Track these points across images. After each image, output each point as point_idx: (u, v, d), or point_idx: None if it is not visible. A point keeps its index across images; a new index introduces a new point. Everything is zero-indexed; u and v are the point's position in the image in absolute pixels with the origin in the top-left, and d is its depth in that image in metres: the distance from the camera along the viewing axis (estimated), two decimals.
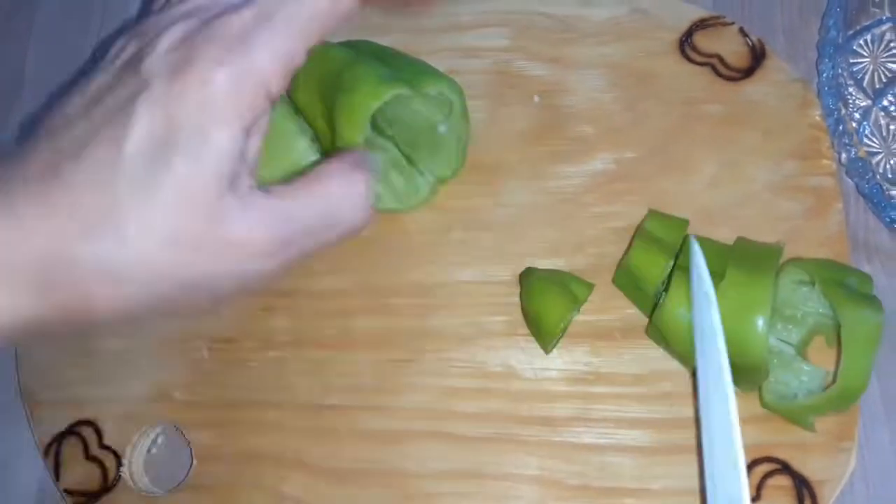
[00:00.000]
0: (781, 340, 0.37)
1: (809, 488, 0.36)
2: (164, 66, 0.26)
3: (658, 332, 0.36)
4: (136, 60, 0.26)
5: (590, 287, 0.39)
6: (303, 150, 0.40)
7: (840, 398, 0.33)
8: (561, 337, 0.39)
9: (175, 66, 0.26)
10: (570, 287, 0.38)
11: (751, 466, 0.37)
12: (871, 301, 0.34)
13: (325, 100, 0.37)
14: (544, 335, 0.38)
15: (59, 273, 0.25)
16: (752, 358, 0.33)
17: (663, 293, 0.36)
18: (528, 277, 0.40)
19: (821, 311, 0.36)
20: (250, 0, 0.27)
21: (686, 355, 0.36)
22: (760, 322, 0.33)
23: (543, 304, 0.38)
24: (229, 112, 0.25)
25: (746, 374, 0.35)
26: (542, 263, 0.41)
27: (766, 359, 0.33)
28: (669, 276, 0.37)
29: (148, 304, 0.26)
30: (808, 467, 0.36)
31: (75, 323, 0.26)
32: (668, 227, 0.38)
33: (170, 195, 0.25)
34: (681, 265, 0.36)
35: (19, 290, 0.25)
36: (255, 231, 0.26)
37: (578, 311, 0.39)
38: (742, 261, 0.35)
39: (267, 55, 0.26)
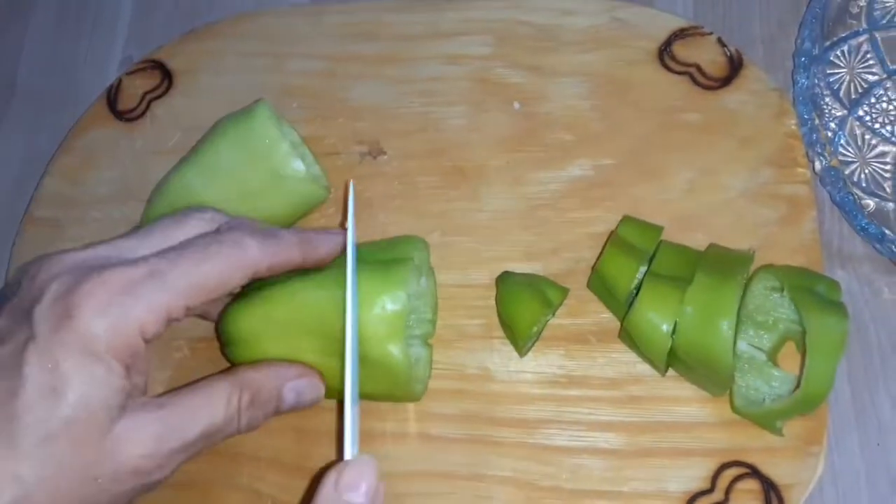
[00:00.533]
0: (753, 346, 0.38)
1: (777, 492, 0.36)
2: (50, 316, 0.29)
3: (629, 336, 0.37)
4: (27, 307, 0.29)
5: (564, 291, 0.39)
6: (283, 155, 0.40)
7: (804, 402, 0.34)
8: (535, 340, 0.40)
9: (60, 316, 0.28)
10: (544, 291, 0.39)
11: (719, 470, 0.37)
12: (838, 308, 0.34)
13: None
14: (518, 338, 0.39)
15: None
16: (718, 361, 0.34)
17: (635, 297, 0.37)
18: (503, 281, 0.40)
19: (792, 317, 0.37)
20: (146, 257, 0.30)
21: (656, 359, 0.36)
22: (725, 325, 0.33)
23: (517, 307, 0.38)
24: (109, 356, 0.28)
25: (714, 377, 0.35)
26: (520, 267, 0.42)
27: (731, 363, 0.34)
28: (642, 282, 0.37)
29: None
30: (777, 471, 0.37)
31: None
32: (641, 233, 0.39)
33: (64, 445, 0.28)
34: (653, 271, 0.37)
35: None
36: (147, 448, 0.29)
37: (553, 314, 0.40)
38: (712, 266, 0.36)
39: (145, 309, 0.29)
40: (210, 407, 0.32)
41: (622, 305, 0.38)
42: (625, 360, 0.39)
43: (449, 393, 0.40)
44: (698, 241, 0.40)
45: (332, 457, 0.40)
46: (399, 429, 0.40)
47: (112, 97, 0.50)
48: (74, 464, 0.28)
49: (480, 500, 0.38)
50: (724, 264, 0.36)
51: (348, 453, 0.30)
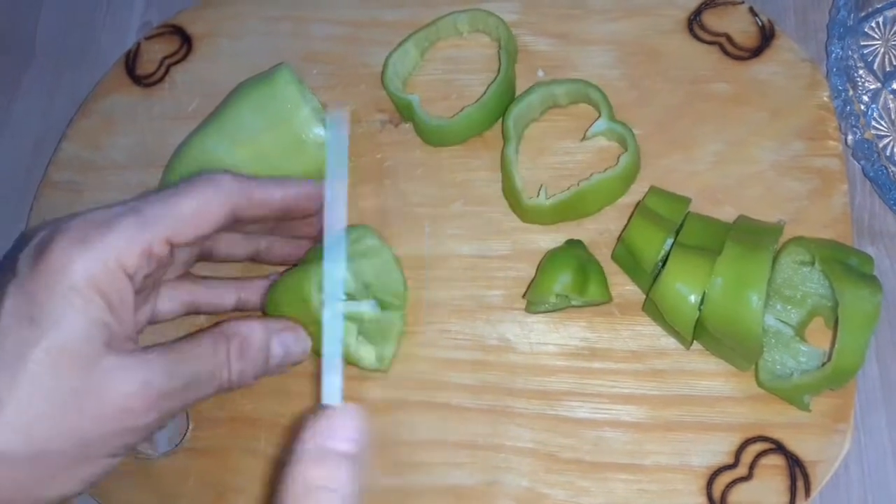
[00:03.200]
0: (780, 320, 0.37)
1: (802, 468, 0.36)
2: (29, 256, 0.29)
3: (654, 308, 0.36)
4: (12, 254, 0.31)
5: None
6: (304, 119, 0.40)
7: (834, 376, 0.33)
8: (550, 311, 0.39)
9: (38, 253, 0.29)
10: (587, 280, 0.38)
11: (743, 445, 0.36)
12: (871, 281, 0.34)
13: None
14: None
15: None
16: (747, 333, 0.33)
17: (661, 269, 0.36)
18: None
19: (821, 292, 0.36)
20: (124, 201, 0.31)
21: (683, 331, 0.36)
22: (755, 297, 0.33)
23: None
24: (86, 288, 0.28)
25: (742, 350, 0.35)
26: (542, 239, 0.41)
27: (760, 334, 0.33)
28: (669, 253, 0.36)
29: (41, 480, 0.29)
30: (802, 448, 0.36)
31: None
32: (668, 204, 0.38)
33: (42, 368, 0.28)
34: (681, 242, 0.36)
35: None
36: (133, 388, 0.29)
37: (583, 304, 0.39)
38: (741, 237, 0.35)
39: (123, 241, 0.29)
40: (197, 355, 0.32)
41: (647, 277, 0.37)
42: (648, 334, 0.39)
43: (469, 363, 0.40)
44: (727, 214, 0.39)
45: None
46: (420, 398, 0.39)
47: (131, 62, 0.49)
48: (56, 392, 0.28)
49: (500, 471, 0.38)
50: (753, 235, 0.35)
51: (330, 398, 0.27)
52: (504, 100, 0.42)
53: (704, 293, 0.34)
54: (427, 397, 0.39)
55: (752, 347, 0.34)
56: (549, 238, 0.41)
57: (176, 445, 0.40)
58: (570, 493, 0.37)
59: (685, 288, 0.34)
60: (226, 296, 0.38)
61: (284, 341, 0.35)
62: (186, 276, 0.37)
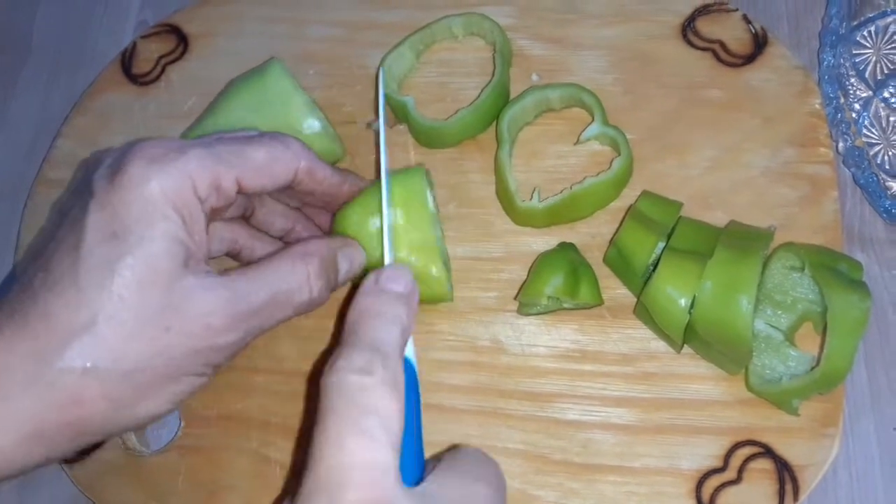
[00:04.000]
0: (770, 325, 0.37)
1: (791, 472, 0.36)
2: (105, 175, 0.30)
3: (645, 312, 0.37)
4: (87, 178, 0.30)
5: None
6: (297, 111, 0.40)
7: (823, 381, 0.33)
8: (540, 312, 0.40)
9: (114, 172, 0.29)
10: (579, 282, 0.38)
11: (733, 449, 0.37)
12: (860, 287, 0.34)
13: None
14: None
15: (51, 388, 0.27)
16: (736, 337, 0.34)
17: (652, 273, 0.36)
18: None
19: (811, 297, 0.36)
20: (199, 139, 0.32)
21: (673, 334, 0.36)
22: (745, 301, 0.33)
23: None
24: (163, 204, 0.29)
25: (731, 353, 0.35)
26: (535, 242, 0.41)
27: (749, 338, 0.33)
28: (659, 257, 0.37)
29: (132, 397, 0.29)
30: (791, 452, 0.36)
31: (77, 433, 0.29)
32: (660, 208, 0.38)
33: (129, 283, 0.28)
34: (672, 246, 0.36)
35: (18, 413, 0.27)
36: (215, 306, 0.30)
37: (574, 307, 0.39)
38: (731, 242, 0.35)
39: (196, 165, 0.30)
40: (277, 274, 0.32)
41: (639, 280, 0.37)
42: (639, 337, 0.39)
43: (461, 364, 0.40)
44: (718, 219, 0.39)
45: None
46: None
47: (126, 61, 0.49)
48: (143, 307, 0.28)
49: None
50: (744, 240, 0.36)
51: (388, 259, 0.32)
52: (498, 103, 0.43)
53: (695, 297, 0.34)
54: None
55: (742, 351, 0.34)
56: (541, 241, 0.41)
57: (167, 443, 0.41)
58: (560, 495, 0.37)
59: (675, 292, 0.35)
60: (266, 246, 0.39)
61: (348, 255, 0.36)
62: (233, 219, 0.38)
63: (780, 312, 0.37)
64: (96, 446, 0.41)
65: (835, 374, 0.33)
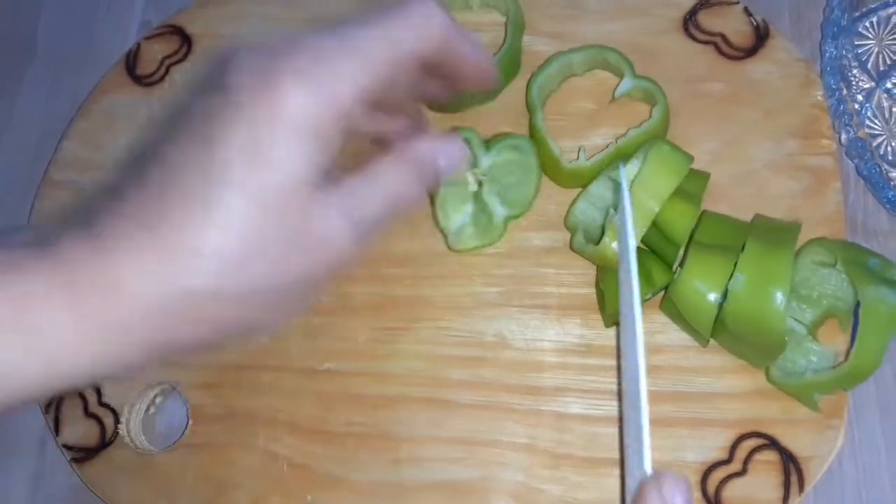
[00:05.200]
0: (794, 319, 0.37)
1: (797, 464, 0.36)
2: (247, 79, 0.27)
3: (673, 307, 0.36)
4: (217, 76, 0.27)
5: (670, 275, 0.38)
6: None
7: (850, 376, 0.33)
8: None
9: (259, 80, 0.27)
10: (649, 269, 0.37)
11: (738, 441, 0.37)
12: (893, 283, 0.34)
13: None
14: (608, 307, 0.37)
15: (166, 308, 0.26)
16: (770, 330, 0.33)
17: (679, 268, 0.36)
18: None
19: (838, 294, 0.36)
20: (335, 31, 0.28)
21: (702, 329, 0.36)
22: (779, 294, 0.33)
23: (615, 278, 0.36)
24: (311, 132, 0.27)
25: (763, 347, 0.35)
26: (539, 237, 0.42)
27: (783, 331, 0.33)
28: (686, 252, 0.37)
29: (249, 320, 0.28)
30: (796, 443, 0.36)
31: (186, 348, 0.27)
32: (690, 178, 0.38)
33: (266, 206, 0.26)
34: (698, 240, 0.36)
35: (130, 334, 0.26)
36: (338, 223, 0.28)
37: (652, 295, 0.39)
38: (762, 235, 0.35)
39: (346, 83, 0.27)
40: (388, 179, 0.30)
41: (676, 253, 0.37)
42: (644, 330, 0.39)
43: (466, 360, 0.40)
44: (721, 212, 0.39)
45: (351, 420, 0.40)
46: (417, 394, 0.40)
47: (131, 62, 0.49)
48: (281, 228, 0.27)
49: (495, 466, 0.38)
50: (774, 233, 0.35)
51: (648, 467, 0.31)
52: (508, 71, 0.43)
53: (727, 290, 0.34)
54: (424, 393, 0.40)
55: (775, 344, 0.34)
56: (544, 236, 0.41)
57: (175, 441, 0.41)
58: (565, 488, 0.37)
59: (704, 286, 0.35)
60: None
61: (447, 153, 0.34)
62: None
63: (804, 307, 0.37)
64: (105, 445, 0.41)
65: (863, 370, 0.33)
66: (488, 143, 0.42)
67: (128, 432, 0.41)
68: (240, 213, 0.26)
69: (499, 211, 0.41)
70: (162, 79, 0.49)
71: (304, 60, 0.27)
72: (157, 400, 0.43)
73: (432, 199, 0.41)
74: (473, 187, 0.41)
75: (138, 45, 0.50)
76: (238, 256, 0.26)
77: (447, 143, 0.34)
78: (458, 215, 0.41)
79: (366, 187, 0.30)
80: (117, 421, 0.42)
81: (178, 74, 0.48)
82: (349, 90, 0.28)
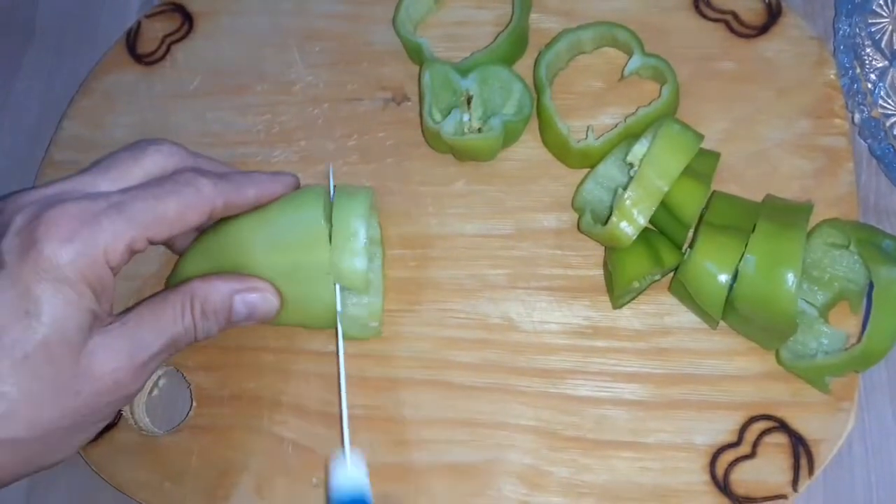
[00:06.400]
0: (805, 301, 0.37)
1: (806, 447, 0.36)
2: (17, 246, 0.30)
3: (682, 288, 0.36)
4: None
5: (679, 256, 0.37)
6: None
7: (864, 358, 0.33)
8: (634, 297, 0.39)
9: (27, 245, 0.30)
10: (658, 249, 0.37)
11: (747, 424, 0.36)
12: None
13: None
14: (616, 288, 0.37)
15: None
16: (781, 312, 0.33)
17: (689, 249, 0.36)
18: None
19: (849, 276, 0.36)
20: (107, 192, 0.32)
21: (712, 310, 0.35)
22: (791, 276, 0.32)
23: (624, 257, 0.36)
24: (78, 281, 0.30)
25: (774, 329, 0.34)
26: (546, 218, 0.41)
27: (795, 313, 0.32)
28: (695, 232, 0.36)
29: (43, 453, 0.31)
30: (806, 426, 0.36)
31: None
32: (700, 157, 0.37)
33: (42, 361, 0.29)
34: (708, 221, 0.36)
35: None
36: (121, 360, 0.31)
37: (661, 277, 0.38)
38: (773, 215, 0.35)
39: (109, 238, 0.31)
40: (167, 320, 0.34)
41: (685, 233, 0.37)
42: (652, 312, 0.39)
43: (472, 342, 0.40)
44: (732, 193, 0.38)
45: (356, 402, 0.39)
46: (422, 376, 0.39)
47: (131, 40, 0.49)
48: (55, 380, 0.30)
49: (502, 449, 0.38)
50: (785, 214, 0.35)
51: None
52: (515, 49, 0.42)
53: (737, 271, 0.34)
54: (430, 376, 0.39)
55: (786, 327, 0.34)
56: (551, 217, 0.41)
57: (179, 423, 0.41)
58: (573, 471, 0.37)
59: (715, 267, 0.34)
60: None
61: (247, 300, 0.36)
62: None
63: (816, 289, 0.37)
64: (109, 427, 0.41)
65: (876, 352, 0.32)
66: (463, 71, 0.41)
67: (131, 414, 0.41)
68: (20, 371, 0.29)
69: (495, 121, 0.40)
70: (163, 57, 0.48)
71: (70, 222, 0.30)
72: (161, 382, 0.43)
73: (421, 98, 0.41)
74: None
75: (139, 24, 0.49)
76: (24, 409, 0.29)
77: (253, 292, 0.36)
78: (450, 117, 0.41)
79: (147, 326, 0.33)
80: None
81: (180, 53, 0.48)
82: (114, 246, 0.31)
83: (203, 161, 0.36)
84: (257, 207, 0.37)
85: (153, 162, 0.34)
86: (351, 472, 0.34)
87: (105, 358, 0.31)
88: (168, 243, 0.40)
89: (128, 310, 0.34)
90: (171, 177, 0.34)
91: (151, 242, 0.33)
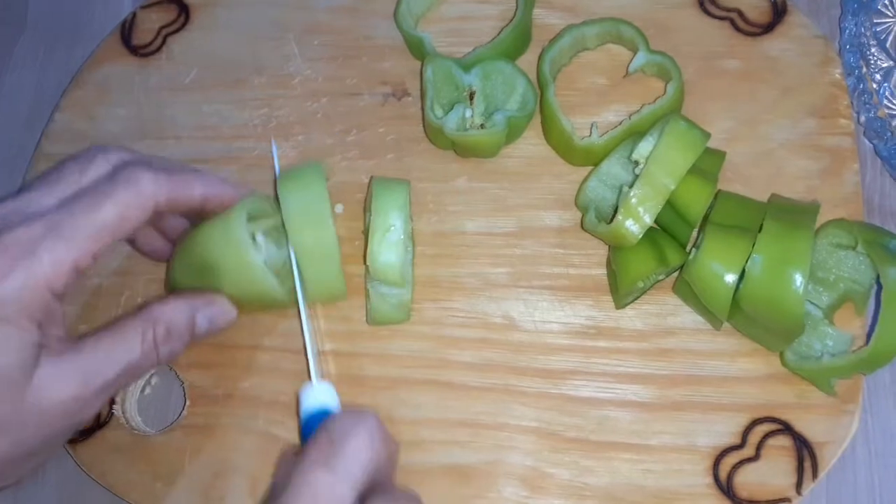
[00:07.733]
0: (811, 302, 0.36)
1: (810, 449, 0.35)
2: None
3: (686, 288, 0.35)
4: None
5: (684, 256, 0.36)
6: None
7: (871, 360, 0.32)
8: (637, 297, 0.38)
9: None
10: (663, 248, 0.36)
11: (751, 426, 0.36)
12: None
13: None
14: (620, 288, 0.36)
15: None
16: (788, 313, 0.32)
17: (694, 249, 0.35)
18: None
19: (855, 277, 0.36)
20: (44, 213, 0.30)
21: (718, 311, 0.35)
22: (798, 276, 0.32)
23: (628, 256, 0.36)
24: (19, 317, 0.29)
25: (780, 330, 0.34)
26: (548, 216, 0.40)
27: (802, 314, 0.32)
28: (700, 232, 0.36)
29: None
30: (810, 429, 0.36)
31: None
32: (707, 157, 0.37)
33: None
34: (713, 221, 0.35)
35: None
36: (72, 389, 0.30)
37: (665, 276, 0.38)
38: (780, 215, 0.34)
39: (49, 267, 0.29)
40: (126, 346, 0.32)
41: (689, 233, 0.36)
42: (655, 312, 0.38)
43: (472, 341, 0.39)
44: (737, 192, 0.38)
45: (353, 402, 0.39)
46: (421, 375, 0.39)
47: (126, 32, 0.48)
48: (2, 415, 0.29)
49: (504, 450, 0.37)
50: (792, 214, 0.34)
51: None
52: (518, 44, 0.42)
53: (743, 272, 0.33)
54: (430, 375, 0.39)
55: (793, 328, 0.33)
56: (554, 215, 0.40)
57: (172, 422, 0.40)
58: (575, 473, 0.36)
59: (722, 267, 0.34)
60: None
61: (208, 315, 0.35)
62: None
63: (821, 290, 0.36)
64: (100, 426, 0.40)
65: (884, 354, 0.32)
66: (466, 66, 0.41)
67: (123, 413, 0.40)
68: None
69: (498, 116, 0.39)
70: (158, 49, 0.47)
71: (3, 258, 0.29)
72: (153, 380, 0.42)
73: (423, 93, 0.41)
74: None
75: (134, 15, 0.48)
76: None
77: (210, 305, 0.35)
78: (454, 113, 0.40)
79: (104, 353, 0.32)
80: (112, 401, 0.40)
81: (175, 45, 0.47)
82: (56, 273, 0.30)
83: (156, 162, 0.34)
84: (214, 214, 0.36)
85: (98, 172, 0.33)
86: (317, 388, 0.33)
87: (54, 389, 0.30)
88: (130, 242, 0.38)
89: (86, 335, 0.32)
90: (110, 177, 0.32)
91: (97, 256, 0.31)
